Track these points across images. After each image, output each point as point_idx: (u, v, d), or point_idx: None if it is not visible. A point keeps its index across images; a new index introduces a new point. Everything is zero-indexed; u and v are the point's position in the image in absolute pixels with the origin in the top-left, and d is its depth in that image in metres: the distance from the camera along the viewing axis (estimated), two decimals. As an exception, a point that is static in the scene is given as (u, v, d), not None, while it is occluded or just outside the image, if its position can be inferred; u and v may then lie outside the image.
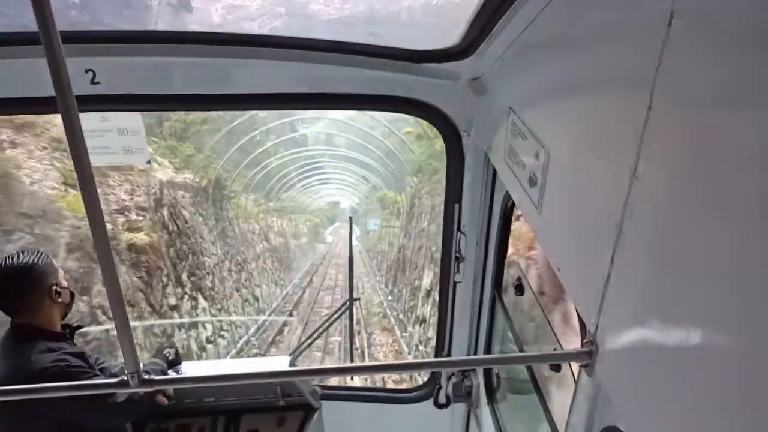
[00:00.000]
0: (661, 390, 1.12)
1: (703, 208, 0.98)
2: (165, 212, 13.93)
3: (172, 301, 12.99)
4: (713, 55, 0.96)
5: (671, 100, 1.08)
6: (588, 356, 1.50)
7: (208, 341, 14.83)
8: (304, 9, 2.68)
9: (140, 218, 12.48)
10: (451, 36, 2.30)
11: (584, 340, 1.53)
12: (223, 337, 16.12)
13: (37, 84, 1.37)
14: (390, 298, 23.28)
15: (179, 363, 3.24)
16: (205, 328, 14.91)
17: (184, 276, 14.32)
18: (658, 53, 1.09)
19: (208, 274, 16.69)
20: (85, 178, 1.13)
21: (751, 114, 0.87)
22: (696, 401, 1.00)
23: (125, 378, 1.48)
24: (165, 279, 12.76)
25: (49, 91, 1.08)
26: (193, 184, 17.43)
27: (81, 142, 1.11)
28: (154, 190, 13.70)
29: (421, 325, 16.20)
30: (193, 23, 2.73)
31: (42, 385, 1.60)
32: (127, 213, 12.20)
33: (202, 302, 15.32)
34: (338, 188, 38.72)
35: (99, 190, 1.28)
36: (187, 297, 14.14)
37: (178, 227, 14.59)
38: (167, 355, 3.18)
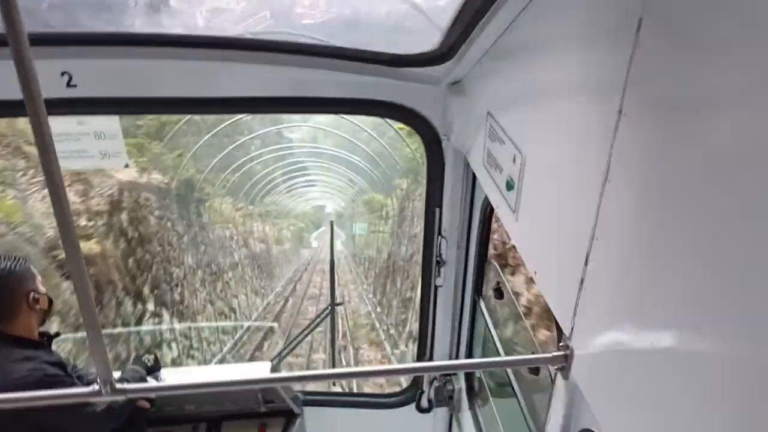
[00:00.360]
0: (636, 392, 1.13)
1: (674, 211, 0.99)
2: (124, 217, 12.48)
3: (129, 319, 11.59)
4: (682, 59, 0.97)
5: (642, 104, 1.10)
6: (564, 359, 1.51)
7: (174, 363, 12.81)
8: (288, 13, 2.68)
9: (91, 224, 11.19)
10: (431, 40, 2.31)
11: (559, 344, 1.54)
12: (192, 357, 14.14)
13: (8, 86, 1.34)
14: (379, 309, 21.67)
15: (158, 369, 3.20)
16: (170, 348, 13.14)
17: (146, 290, 12.80)
18: (628, 58, 1.10)
19: (177, 285, 14.97)
20: (55, 184, 1.11)
21: (720, 117, 0.88)
22: (671, 403, 1.01)
23: (97, 387, 1.45)
24: (121, 294, 11.40)
25: (19, 93, 1.06)
26: (161, 185, 15.60)
27: (51, 147, 1.09)
28: (110, 192, 12.29)
29: (414, 342, 14.18)
30: (175, 26, 2.71)
31: (15, 394, 1.57)
32: (75, 217, 10.03)
33: (169, 319, 13.67)
34: (324, 192, 37.71)
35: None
36: (148, 314, 12.61)
37: (139, 234, 13.08)
38: (146, 361, 3.14)
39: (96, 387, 1.46)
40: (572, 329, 1.45)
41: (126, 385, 1.52)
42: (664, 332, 1.03)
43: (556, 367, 1.59)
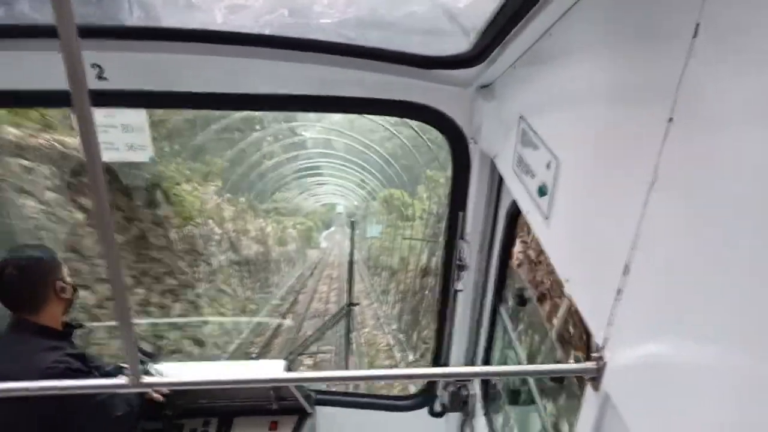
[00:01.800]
0: (670, 408, 1.11)
1: (722, 224, 0.97)
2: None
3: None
4: (740, 68, 0.95)
5: (693, 112, 1.08)
6: (595, 370, 1.49)
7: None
8: (307, 11, 2.68)
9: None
10: (462, 42, 2.30)
11: (592, 354, 1.52)
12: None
13: (51, 77, 1.36)
14: (402, 336, 17.26)
15: (152, 357, 3.21)
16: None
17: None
18: (681, 64, 1.08)
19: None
20: (96, 175, 1.12)
21: None
22: (706, 421, 0.99)
23: (125, 380, 1.46)
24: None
25: (61, 84, 1.07)
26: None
27: (93, 138, 1.10)
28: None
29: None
30: (201, 22, 2.73)
31: (43, 383, 1.58)
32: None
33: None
34: (336, 190, 36.19)
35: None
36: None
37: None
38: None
39: (124, 379, 1.48)
40: (605, 339, 1.43)
41: (152, 379, 1.53)
42: (706, 348, 1.01)
43: (587, 378, 1.57)
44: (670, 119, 1.12)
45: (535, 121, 2.02)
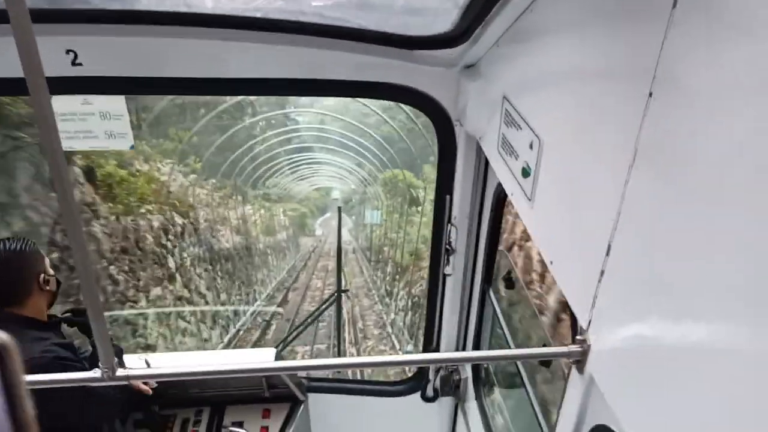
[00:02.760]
0: (654, 389, 1.11)
1: (703, 202, 0.97)
2: None
3: None
4: (719, 39, 0.94)
5: (673, 86, 1.06)
6: (580, 353, 1.50)
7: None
8: None
9: None
10: (444, 22, 2.27)
11: (575, 337, 1.53)
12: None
13: (10, 63, 1.33)
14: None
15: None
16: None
17: None
18: (661, 37, 1.07)
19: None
20: (58, 165, 1.10)
21: (756, 103, 0.85)
22: (690, 401, 0.99)
23: (99, 373, 1.46)
24: None
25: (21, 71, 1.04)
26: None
27: (53, 127, 1.07)
28: None
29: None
30: (182, 5, 2.68)
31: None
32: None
33: None
34: (331, 176, 33.88)
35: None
36: None
37: None
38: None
39: (98, 372, 1.47)
40: (590, 322, 1.43)
41: (128, 371, 1.53)
42: (689, 328, 1.01)
43: (571, 360, 1.58)
44: (650, 94, 1.11)
45: (518, 101, 2.01)
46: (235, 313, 18.35)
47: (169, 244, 14.03)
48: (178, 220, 15.22)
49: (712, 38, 0.95)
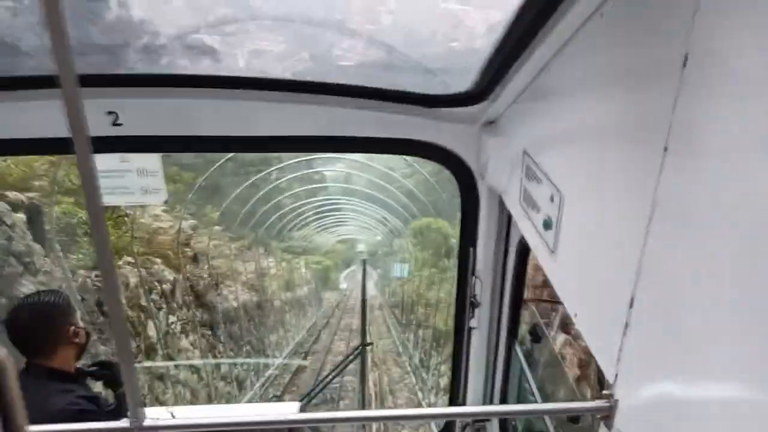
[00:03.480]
0: None
1: (723, 252, 0.99)
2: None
3: None
4: (730, 97, 0.99)
5: (687, 140, 1.11)
6: (607, 409, 1.49)
7: None
8: (327, 54, 2.82)
9: None
10: (465, 80, 2.40)
11: (603, 391, 1.52)
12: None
13: (56, 125, 1.44)
14: None
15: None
16: None
17: None
18: (674, 94, 1.12)
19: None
20: (98, 221, 1.18)
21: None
22: None
23: (127, 422, 1.49)
24: None
25: (67, 131, 1.11)
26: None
27: (95, 185, 1.15)
28: None
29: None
30: (217, 68, 2.88)
31: (47, 426, 1.62)
32: None
33: None
34: (357, 227, 32.81)
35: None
36: None
37: None
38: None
39: (126, 423, 1.51)
40: (616, 376, 1.43)
41: (156, 422, 1.57)
42: (716, 383, 1.01)
43: (598, 416, 1.57)
44: (665, 149, 1.16)
45: (538, 156, 2.08)
46: (240, 385, 16.24)
47: (152, 306, 11.52)
48: (169, 275, 12.70)
49: (723, 95, 1.01)
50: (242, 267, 19.79)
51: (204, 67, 2.84)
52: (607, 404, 1.48)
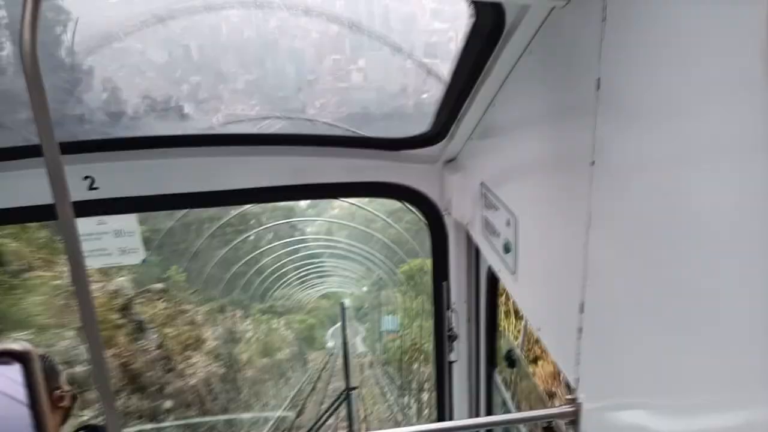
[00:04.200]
0: None
1: (650, 253, 1.12)
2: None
3: None
4: (638, 112, 1.15)
5: (608, 153, 1.28)
6: (573, 413, 1.57)
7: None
8: (300, 113, 3.02)
9: None
10: (423, 124, 2.63)
11: (566, 396, 1.61)
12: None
13: (37, 193, 1.46)
14: None
15: None
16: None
17: None
18: (593, 115, 1.31)
19: None
20: (81, 285, 1.18)
21: (681, 169, 1.02)
22: None
23: None
24: None
25: (49, 199, 1.12)
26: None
27: (78, 249, 1.15)
28: None
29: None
30: (186, 128, 3.06)
31: None
32: None
33: None
34: (342, 281, 32.35)
35: None
36: None
37: None
38: None
39: None
40: (578, 380, 1.53)
41: None
42: (670, 377, 1.08)
43: (565, 422, 1.65)
44: (592, 162, 1.34)
45: (493, 185, 2.27)
46: None
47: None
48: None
49: (633, 111, 1.18)
50: (211, 333, 17.04)
51: (176, 128, 3.02)
52: (572, 408, 1.57)
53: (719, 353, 0.92)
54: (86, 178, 2.62)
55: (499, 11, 1.65)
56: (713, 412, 0.96)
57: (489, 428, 2.92)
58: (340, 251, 24.58)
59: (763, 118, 0.79)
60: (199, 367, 14.72)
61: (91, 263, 3.05)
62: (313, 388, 21.37)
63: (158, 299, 14.37)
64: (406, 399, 18.88)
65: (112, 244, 3.02)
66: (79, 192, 2.59)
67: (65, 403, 2.77)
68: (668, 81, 1.05)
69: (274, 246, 22.00)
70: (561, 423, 1.80)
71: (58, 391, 2.73)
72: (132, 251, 3.08)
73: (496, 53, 1.82)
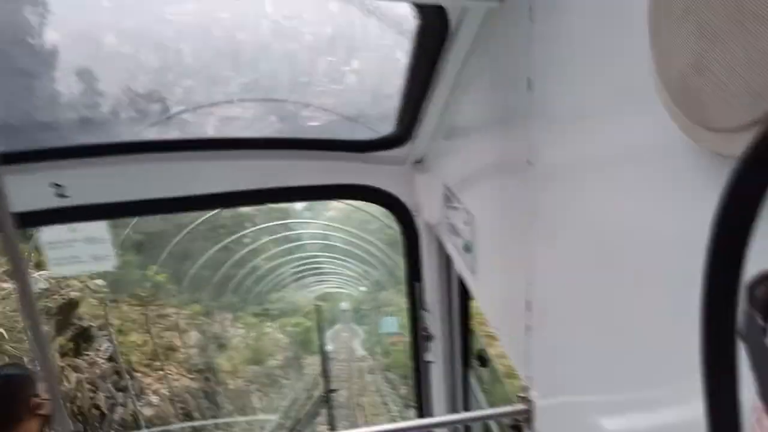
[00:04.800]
0: None
1: (585, 251, 1.15)
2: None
3: None
4: (567, 111, 1.19)
5: (542, 153, 1.33)
6: (526, 411, 1.60)
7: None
8: (295, 116, 3.05)
9: None
10: (389, 125, 2.68)
11: (519, 395, 1.64)
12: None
13: None
14: None
15: None
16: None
17: None
18: (526, 114, 1.36)
19: None
20: (26, 298, 1.19)
21: (597, 172, 1.07)
22: None
23: None
24: None
25: None
26: None
27: (23, 263, 1.20)
28: None
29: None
30: (185, 135, 3.07)
31: None
32: None
33: None
34: (339, 282, 31.76)
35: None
36: None
37: None
38: None
39: None
40: (531, 379, 1.57)
41: None
42: (609, 376, 1.11)
43: (521, 420, 1.67)
44: (528, 161, 1.38)
45: (454, 185, 2.32)
46: None
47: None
48: None
49: (562, 110, 1.22)
50: (189, 339, 15.36)
51: (146, 134, 3.05)
52: (525, 407, 1.61)
53: (650, 352, 0.94)
54: (54, 185, 2.65)
55: (441, 13, 1.70)
56: (651, 408, 0.98)
57: (456, 425, 2.98)
58: (336, 252, 24.51)
59: (653, 130, 0.85)
60: (170, 381, 12.56)
61: (65, 271, 3.10)
62: (310, 397, 19.78)
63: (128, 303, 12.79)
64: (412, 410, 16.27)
65: (84, 251, 3.06)
66: (47, 199, 2.63)
67: (43, 410, 2.81)
68: (582, 84, 1.10)
69: (268, 247, 21.91)
70: None
71: (34, 399, 2.78)
72: (104, 258, 3.13)
73: (443, 54, 1.86)
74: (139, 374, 11.77)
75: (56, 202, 2.66)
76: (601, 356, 1.14)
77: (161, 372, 12.43)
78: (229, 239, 17.98)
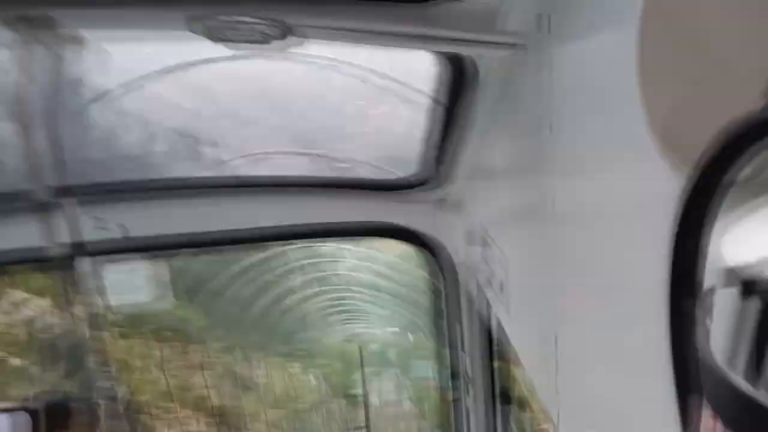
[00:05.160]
0: None
1: (601, 290, 1.20)
2: None
3: None
4: (582, 163, 1.26)
5: (564, 197, 1.37)
6: None
7: None
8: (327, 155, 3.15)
9: None
10: (418, 165, 2.75)
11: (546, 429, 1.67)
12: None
13: None
14: None
15: None
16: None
17: None
18: (549, 158, 1.42)
19: None
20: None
21: (606, 220, 1.13)
22: None
23: None
24: None
25: None
26: None
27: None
28: None
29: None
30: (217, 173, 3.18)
31: None
32: None
33: None
34: (368, 324, 33.87)
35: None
36: None
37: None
38: None
39: None
40: (558, 415, 1.56)
41: None
42: (635, 415, 1.12)
43: None
44: (552, 205, 1.42)
45: (486, 224, 2.34)
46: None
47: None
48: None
49: (576, 162, 1.29)
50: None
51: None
52: None
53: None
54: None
55: (468, 61, 1.78)
56: None
57: None
58: (365, 294, 24.57)
59: (650, 183, 0.92)
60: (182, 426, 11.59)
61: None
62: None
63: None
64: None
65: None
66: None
67: None
68: (598, 129, 1.16)
69: (298, 285, 22.06)
70: None
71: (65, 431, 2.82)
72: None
73: (469, 98, 1.96)
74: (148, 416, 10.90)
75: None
76: (626, 397, 1.15)
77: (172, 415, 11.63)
78: (260, 277, 18.13)
